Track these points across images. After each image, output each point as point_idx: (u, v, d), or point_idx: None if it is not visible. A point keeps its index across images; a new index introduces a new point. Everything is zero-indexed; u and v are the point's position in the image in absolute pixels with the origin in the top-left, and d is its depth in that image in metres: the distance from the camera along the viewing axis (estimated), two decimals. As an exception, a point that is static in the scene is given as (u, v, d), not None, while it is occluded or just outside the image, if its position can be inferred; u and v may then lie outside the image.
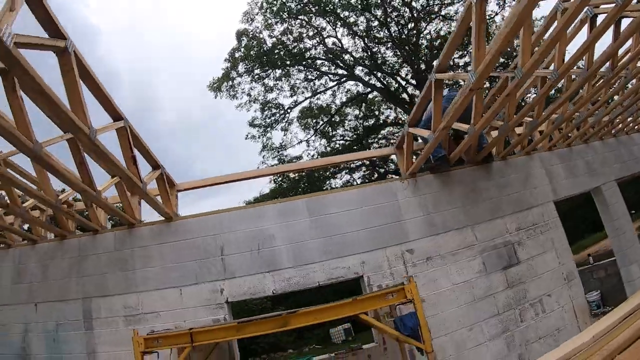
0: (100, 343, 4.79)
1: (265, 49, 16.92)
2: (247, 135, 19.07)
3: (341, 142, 18.60)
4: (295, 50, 17.00)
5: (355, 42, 16.96)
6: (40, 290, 5.07)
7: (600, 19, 3.88)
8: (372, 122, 17.38)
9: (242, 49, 17.30)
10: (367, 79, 16.91)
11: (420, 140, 5.81)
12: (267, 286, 5.00)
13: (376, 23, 16.23)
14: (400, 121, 16.22)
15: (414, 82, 15.88)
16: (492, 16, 14.95)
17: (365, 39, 16.34)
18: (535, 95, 4.94)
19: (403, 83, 16.42)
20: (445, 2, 15.33)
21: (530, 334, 5.07)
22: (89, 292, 4.98)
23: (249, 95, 18.46)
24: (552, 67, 4.34)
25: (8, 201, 4.25)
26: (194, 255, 5.09)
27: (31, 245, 5.31)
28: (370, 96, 17.48)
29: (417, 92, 16.26)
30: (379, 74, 16.19)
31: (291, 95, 18.30)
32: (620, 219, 6.18)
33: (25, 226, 6.13)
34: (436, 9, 15.38)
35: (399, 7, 15.96)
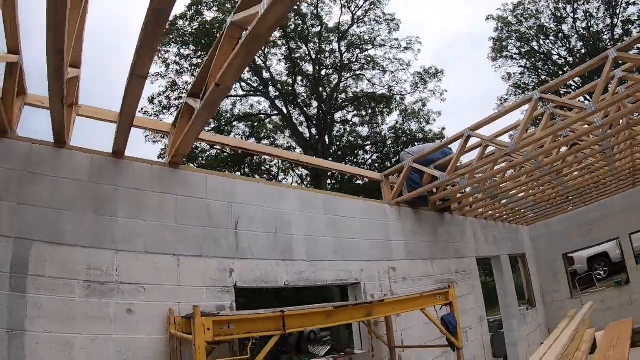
0: (36, 317, 2.93)
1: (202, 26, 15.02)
2: (141, 110, 15.43)
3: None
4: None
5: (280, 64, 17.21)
6: None
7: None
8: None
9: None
10: (277, 101, 16.96)
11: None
12: (280, 276, 4.33)
13: (305, 54, 16.89)
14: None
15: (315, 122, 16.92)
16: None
17: (290, 64, 16.61)
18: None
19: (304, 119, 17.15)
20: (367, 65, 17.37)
21: None
22: (30, 231, 3.06)
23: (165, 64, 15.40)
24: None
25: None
26: (201, 220, 3.95)
27: None
28: (273, 118, 17.38)
29: (314, 131, 17.31)
30: (289, 101, 16.51)
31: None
32: (508, 283, 8.34)
33: None
34: (356, 67, 17.22)
35: (331, 50, 17.06)
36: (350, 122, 18.31)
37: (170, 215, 3.76)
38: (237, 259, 4.06)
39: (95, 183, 3.45)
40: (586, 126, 5.42)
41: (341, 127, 18.10)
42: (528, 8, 20.71)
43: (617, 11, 19.40)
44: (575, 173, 7.20)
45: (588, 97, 11.84)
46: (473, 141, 5.73)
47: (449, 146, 6.25)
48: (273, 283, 4.26)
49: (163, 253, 3.61)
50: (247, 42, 2.48)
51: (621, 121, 5.58)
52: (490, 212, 8.31)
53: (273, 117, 17.64)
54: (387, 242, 5.69)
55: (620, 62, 4.73)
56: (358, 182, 17.01)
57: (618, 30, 19.48)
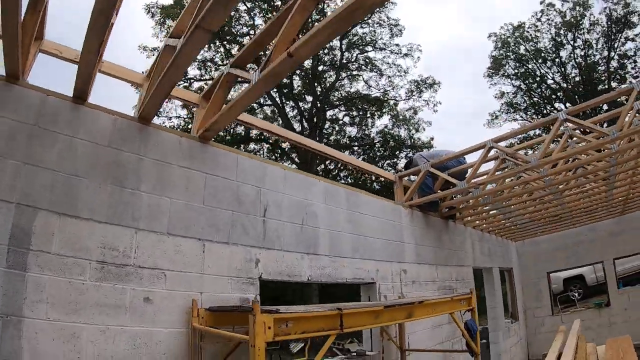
0: (37, 301, 2.41)
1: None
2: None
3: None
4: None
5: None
6: None
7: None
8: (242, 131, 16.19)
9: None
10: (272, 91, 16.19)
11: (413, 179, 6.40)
12: (304, 270, 3.98)
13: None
14: (270, 140, 15.85)
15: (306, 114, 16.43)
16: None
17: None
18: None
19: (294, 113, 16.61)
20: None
21: None
22: (35, 197, 2.53)
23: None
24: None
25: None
26: (230, 203, 3.53)
27: None
28: (265, 108, 16.67)
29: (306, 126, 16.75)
30: (283, 93, 15.91)
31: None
32: (497, 295, 8.39)
33: None
34: (354, 67, 16.88)
35: (331, 47, 16.67)
36: (341, 122, 18.10)
37: (197, 194, 3.31)
38: (265, 249, 3.67)
39: (117, 149, 2.95)
40: (595, 153, 5.51)
41: (331, 125, 17.85)
42: (529, 31, 21.32)
43: (615, 45, 20.34)
44: (575, 195, 7.33)
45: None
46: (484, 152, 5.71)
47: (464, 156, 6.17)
48: (297, 277, 3.90)
49: (188, 236, 3.16)
50: (342, 16, 2.14)
51: (631, 152, 5.70)
52: (484, 225, 8.35)
53: (264, 107, 17.07)
54: (400, 243, 5.48)
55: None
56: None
57: (614, 63, 20.46)
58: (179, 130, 12.93)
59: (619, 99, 10.03)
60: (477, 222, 7.96)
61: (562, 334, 6.10)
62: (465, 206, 6.83)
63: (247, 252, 3.53)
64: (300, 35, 2.49)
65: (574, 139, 5.48)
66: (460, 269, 6.94)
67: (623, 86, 4.89)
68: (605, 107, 14.98)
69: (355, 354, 4.37)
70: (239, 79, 3.20)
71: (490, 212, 7.48)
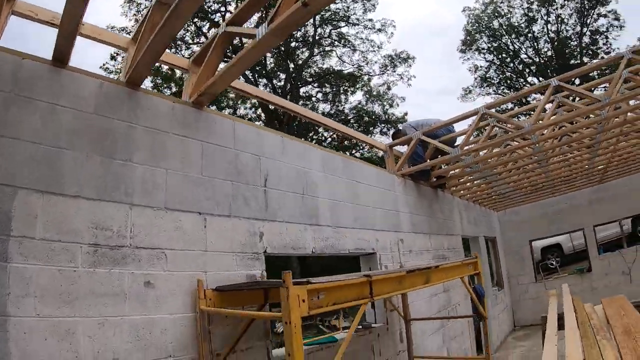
0: (24, 295, 2.07)
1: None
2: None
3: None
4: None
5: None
6: None
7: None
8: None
9: None
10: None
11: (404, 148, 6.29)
12: (308, 242, 3.79)
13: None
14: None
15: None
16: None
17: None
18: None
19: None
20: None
21: (451, 333, 6.10)
22: (14, 174, 2.15)
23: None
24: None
25: None
26: (229, 173, 3.25)
27: None
28: None
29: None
30: (256, 70, 15.11)
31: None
32: (484, 264, 8.39)
33: None
34: (326, 43, 16.10)
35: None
36: (314, 98, 17.72)
37: (195, 164, 3.00)
38: (268, 221, 3.43)
39: (105, 117, 2.58)
40: (583, 120, 5.57)
41: (304, 102, 17.43)
42: (501, 5, 21.35)
43: (588, 21, 20.72)
44: (558, 164, 7.41)
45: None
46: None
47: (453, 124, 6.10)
48: (301, 250, 3.71)
49: (187, 210, 2.87)
50: None
51: (616, 119, 5.78)
52: (468, 195, 8.45)
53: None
54: (396, 213, 5.40)
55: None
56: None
57: (586, 39, 20.89)
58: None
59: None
60: (462, 191, 8.04)
61: (555, 297, 6.29)
62: (453, 175, 6.84)
63: (251, 225, 3.28)
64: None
65: (563, 106, 5.53)
66: (451, 238, 7.01)
67: (613, 54, 4.94)
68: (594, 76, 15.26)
69: (360, 327, 4.28)
70: (237, 38, 2.88)
71: (475, 182, 7.55)
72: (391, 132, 17.69)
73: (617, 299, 5.23)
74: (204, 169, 3.05)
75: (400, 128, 6.53)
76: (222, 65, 3.12)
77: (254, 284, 2.82)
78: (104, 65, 16.33)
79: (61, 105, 2.39)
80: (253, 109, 16.56)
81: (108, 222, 2.45)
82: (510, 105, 16.77)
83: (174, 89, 15.29)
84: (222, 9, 15.33)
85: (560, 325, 4.74)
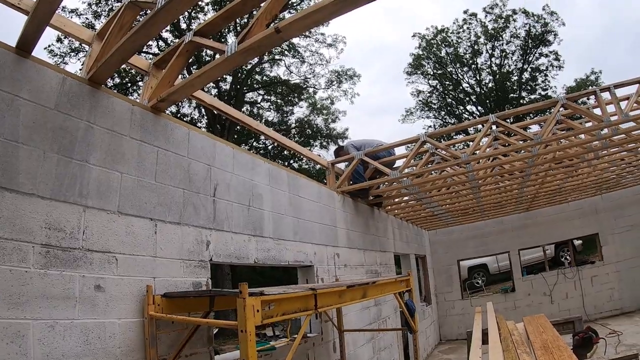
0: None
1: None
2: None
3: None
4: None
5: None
6: None
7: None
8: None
9: None
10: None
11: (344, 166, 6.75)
12: (251, 252, 3.98)
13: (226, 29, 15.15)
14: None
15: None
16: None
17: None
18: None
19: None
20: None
21: (381, 344, 6.60)
22: (-34, 167, 2.11)
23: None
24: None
25: None
26: (182, 181, 3.36)
27: None
28: None
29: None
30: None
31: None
32: (414, 281, 8.92)
33: None
34: (276, 51, 15.83)
35: None
36: (258, 105, 17.76)
37: (149, 170, 3.07)
38: (215, 230, 3.57)
39: (65, 114, 2.57)
40: (515, 154, 6.35)
41: (248, 108, 17.37)
42: (450, 36, 22.99)
43: (530, 58, 22.98)
44: (490, 191, 8.17)
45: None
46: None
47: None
48: (245, 259, 3.89)
49: (139, 216, 2.93)
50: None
51: (546, 156, 6.44)
52: (402, 214, 9.13)
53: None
54: (334, 228, 5.79)
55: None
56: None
57: (526, 75, 23.11)
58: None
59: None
60: (397, 210, 8.69)
61: (480, 314, 7.01)
62: (388, 195, 7.44)
63: (199, 233, 3.41)
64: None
65: (498, 140, 6.29)
66: (384, 254, 7.58)
67: (549, 100, 5.82)
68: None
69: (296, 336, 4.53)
70: (203, 49, 3.04)
71: (409, 203, 8.22)
72: (331, 146, 18.42)
73: (538, 317, 5.99)
74: (158, 175, 3.13)
75: (343, 146, 6.97)
76: (186, 73, 3.24)
77: (205, 292, 2.95)
78: (49, 46, 14.80)
79: (22, 98, 2.35)
80: (196, 109, 16.14)
81: (62, 223, 2.45)
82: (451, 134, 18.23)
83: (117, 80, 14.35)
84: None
85: (485, 340, 5.29)
